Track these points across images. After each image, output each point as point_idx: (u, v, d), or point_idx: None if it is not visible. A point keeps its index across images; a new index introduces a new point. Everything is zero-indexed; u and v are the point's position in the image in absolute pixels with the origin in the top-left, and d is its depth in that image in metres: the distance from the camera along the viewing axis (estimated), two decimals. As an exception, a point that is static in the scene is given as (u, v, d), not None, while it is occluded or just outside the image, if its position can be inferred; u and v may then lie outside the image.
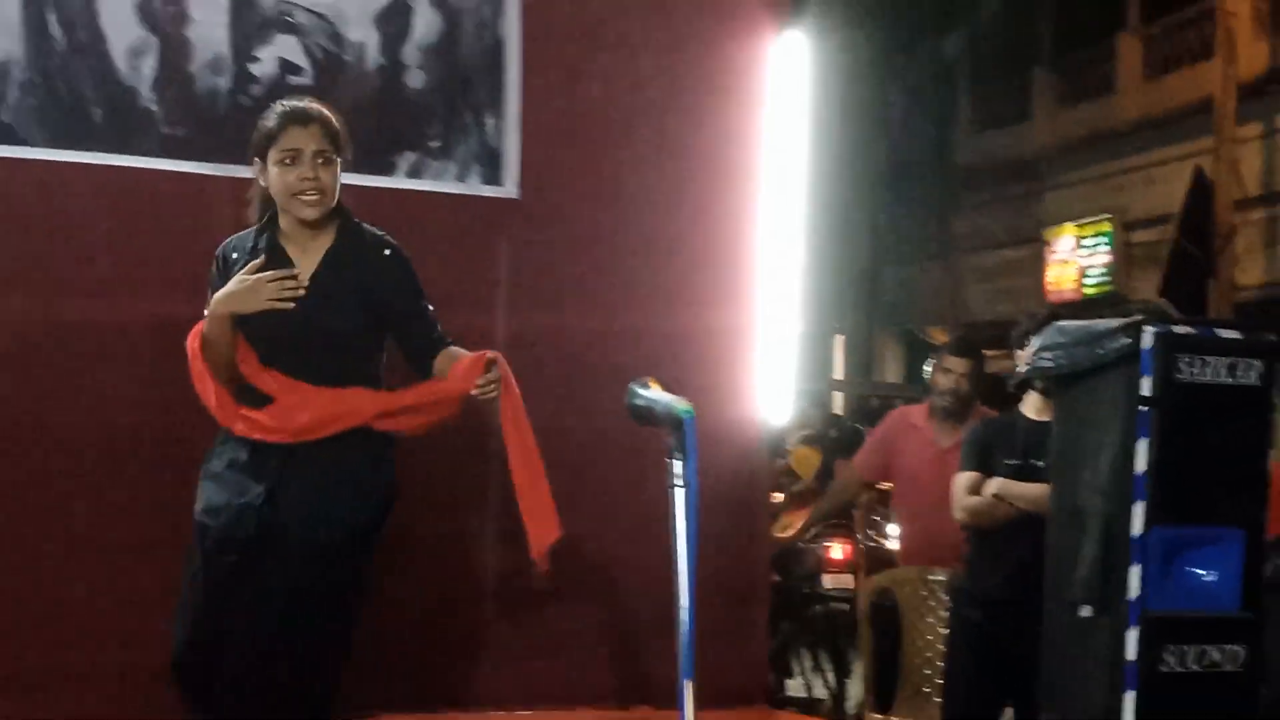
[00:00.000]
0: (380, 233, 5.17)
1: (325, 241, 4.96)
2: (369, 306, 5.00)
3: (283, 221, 4.98)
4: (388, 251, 5.06)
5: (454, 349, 5.21)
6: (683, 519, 3.46)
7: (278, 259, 4.91)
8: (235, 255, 4.98)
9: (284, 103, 5.12)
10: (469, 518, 6.81)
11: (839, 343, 30.11)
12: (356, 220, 5.09)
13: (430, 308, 5.26)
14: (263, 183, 4.94)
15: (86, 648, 6.12)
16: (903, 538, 8.10)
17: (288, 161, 4.87)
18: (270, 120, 4.96)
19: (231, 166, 6.35)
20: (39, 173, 6.17)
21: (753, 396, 7.31)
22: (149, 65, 6.35)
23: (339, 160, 5.09)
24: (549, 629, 6.93)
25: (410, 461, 6.74)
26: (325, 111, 5.10)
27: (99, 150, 6.27)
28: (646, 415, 3.58)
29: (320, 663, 5.07)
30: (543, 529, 5.30)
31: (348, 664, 6.20)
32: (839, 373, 29.72)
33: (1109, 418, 5.53)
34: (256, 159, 4.93)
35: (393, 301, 5.06)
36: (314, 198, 4.89)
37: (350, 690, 6.52)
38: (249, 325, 4.90)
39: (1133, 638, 5.40)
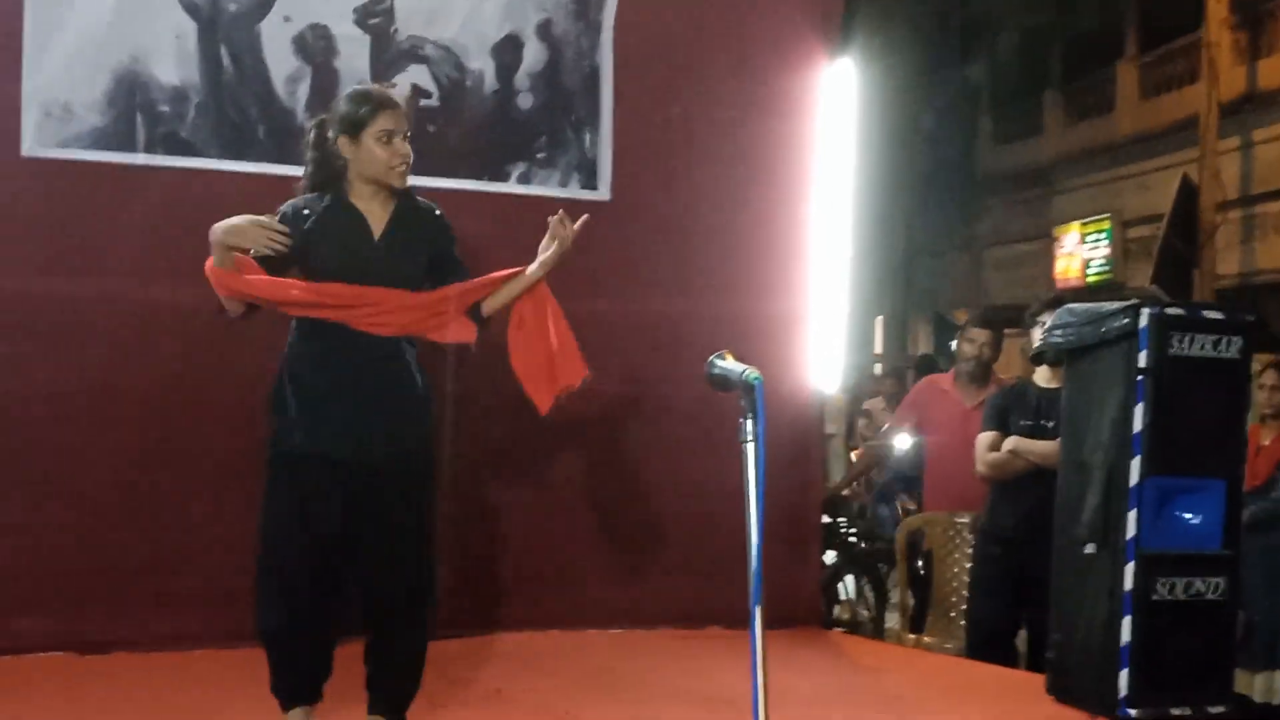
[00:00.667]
0: (424, 199, 5.05)
1: (388, 204, 4.86)
2: (427, 256, 4.92)
3: (354, 188, 4.83)
4: (438, 212, 4.99)
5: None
6: (753, 469, 3.46)
7: (354, 217, 4.80)
8: (307, 212, 4.80)
9: (363, 88, 5.01)
10: (566, 459, 6.85)
11: (879, 323, 30.00)
12: (409, 191, 4.94)
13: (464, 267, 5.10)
14: (347, 155, 4.79)
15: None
16: (933, 485, 8.06)
17: (384, 140, 4.77)
18: (360, 104, 4.80)
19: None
20: (212, 180, 6.23)
21: (806, 369, 7.31)
22: (303, 90, 6.40)
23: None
24: (633, 560, 6.97)
25: (524, 414, 6.82)
26: (400, 100, 4.98)
27: (262, 161, 6.32)
28: (722, 382, 3.58)
29: (433, 571, 4.99)
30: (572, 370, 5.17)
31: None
32: (878, 349, 29.62)
33: (1111, 385, 5.49)
34: (344, 136, 4.79)
35: (442, 253, 4.95)
36: (405, 169, 4.81)
37: (462, 612, 6.61)
38: (330, 271, 4.76)
39: (1130, 571, 5.37)
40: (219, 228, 4.67)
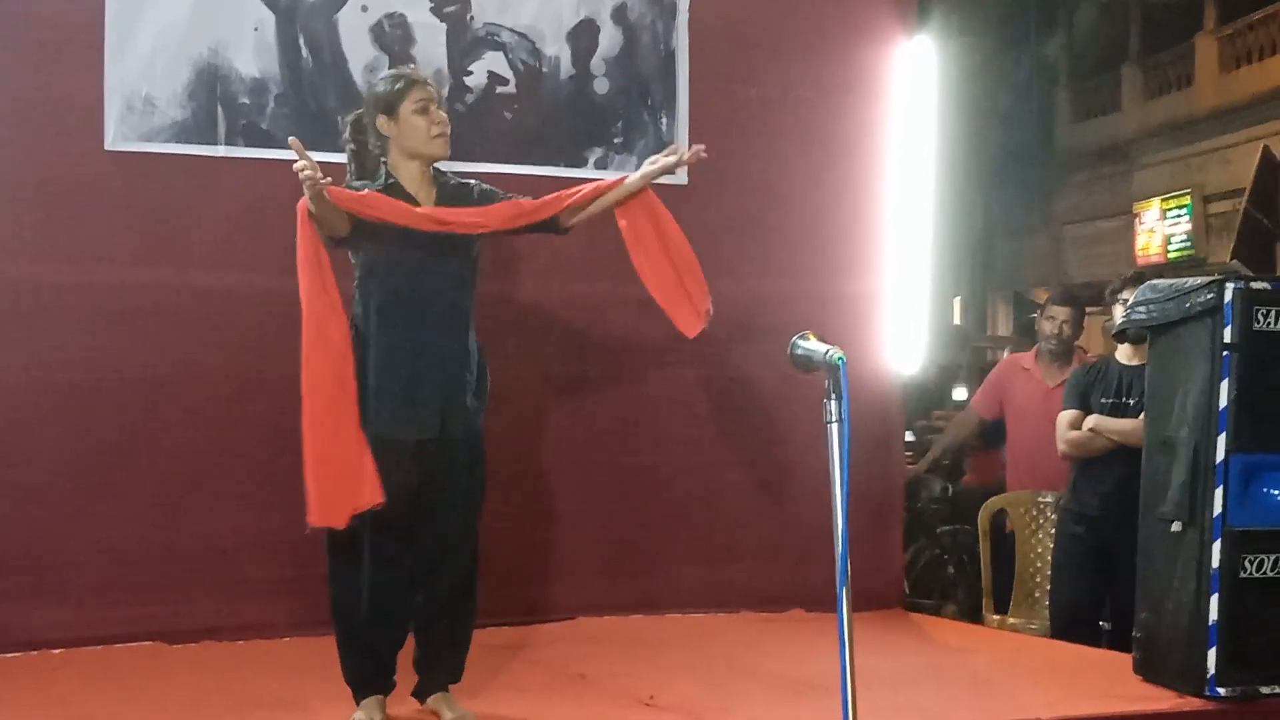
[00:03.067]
0: (461, 178, 5.07)
1: (432, 186, 4.89)
2: (475, 237, 4.94)
3: (401, 170, 4.86)
4: (473, 183, 5.02)
5: None
6: (837, 450, 3.45)
7: (405, 199, 4.81)
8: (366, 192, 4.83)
9: (390, 70, 5.13)
10: (647, 442, 6.85)
11: (958, 303, 29.84)
12: (444, 170, 4.99)
13: None
14: (387, 133, 4.82)
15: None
16: (1014, 465, 8.01)
17: (421, 110, 4.80)
18: (393, 82, 4.86)
19: (450, 163, 6.40)
20: (292, 171, 6.22)
21: (886, 350, 7.28)
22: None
23: None
24: (715, 544, 6.96)
25: (605, 399, 6.83)
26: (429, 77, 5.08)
27: (341, 151, 6.32)
28: (805, 362, 3.57)
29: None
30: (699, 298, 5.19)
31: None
32: (958, 328, 29.46)
33: (1195, 361, 5.43)
34: (381, 115, 4.82)
35: (482, 196, 4.98)
36: (445, 137, 4.85)
37: (546, 597, 6.64)
38: (388, 261, 4.79)
39: (1217, 549, 5.30)
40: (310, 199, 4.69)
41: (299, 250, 4.79)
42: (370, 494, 4.66)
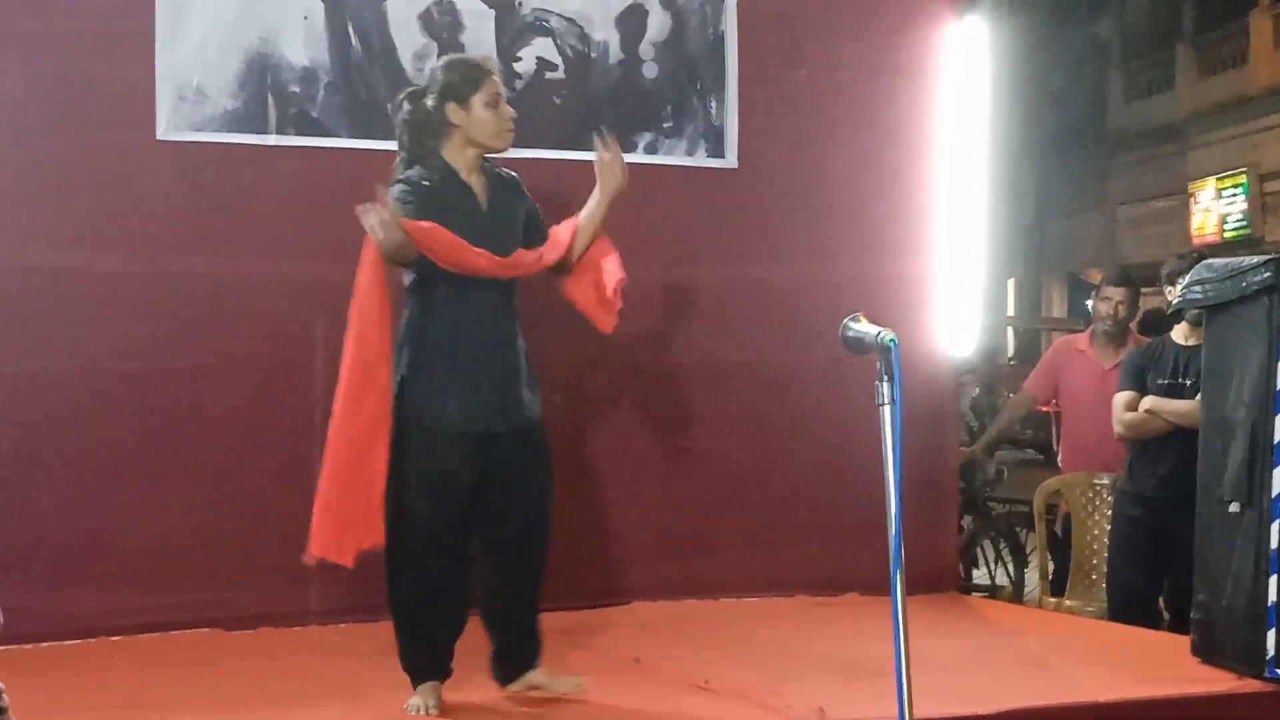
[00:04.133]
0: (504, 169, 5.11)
1: (482, 176, 4.94)
2: (521, 222, 5.02)
3: (455, 157, 4.89)
4: (516, 176, 5.09)
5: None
6: (890, 432, 3.43)
7: (465, 189, 4.88)
8: (426, 183, 4.83)
9: (460, 57, 5.15)
10: (699, 427, 6.85)
11: (1011, 285, 29.70)
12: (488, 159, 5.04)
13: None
14: (455, 121, 4.85)
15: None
16: (1070, 447, 7.96)
17: (492, 104, 4.87)
18: (467, 71, 4.90)
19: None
20: (342, 159, 6.27)
21: (939, 332, 7.25)
22: (431, 66, 6.41)
23: None
24: (768, 527, 6.95)
25: (656, 384, 6.83)
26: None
27: (392, 139, 6.35)
28: (857, 344, 3.56)
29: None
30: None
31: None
32: (1011, 311, 29.34)
33: (1252, 341, 5.39)
34: (452, 103, 4.84)
35: (533, 218, 5.07)
36: (512, 133, 4.94)
37: (598, 581, 6.64)
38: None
39: (1276, 529, 5.27)
40: (385, 241, 4.66)
41: (363, 292, 4.83)
42: (375, 536, 4.76)
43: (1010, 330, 24.26)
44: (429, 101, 4.90)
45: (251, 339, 6.18)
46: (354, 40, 6.33)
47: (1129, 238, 24.98)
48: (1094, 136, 26.53)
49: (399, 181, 4.87)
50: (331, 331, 6.20)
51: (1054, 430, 10.83)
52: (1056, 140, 27.09)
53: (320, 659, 5.70)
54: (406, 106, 4.96)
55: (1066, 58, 27.23)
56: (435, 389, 4.81)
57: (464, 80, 4.86)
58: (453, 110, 4.85)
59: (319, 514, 4.78)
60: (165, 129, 6.08)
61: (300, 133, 6.26)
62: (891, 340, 3.48)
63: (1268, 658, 5.26)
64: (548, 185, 6.60)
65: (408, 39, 6.40)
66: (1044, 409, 10.48)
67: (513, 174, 5.08)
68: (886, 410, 3.44)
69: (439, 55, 6.39)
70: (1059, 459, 8.34)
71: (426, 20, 6.42)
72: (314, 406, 6.19)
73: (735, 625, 6.38)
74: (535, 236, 5.04)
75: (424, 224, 4.71)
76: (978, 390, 12.75)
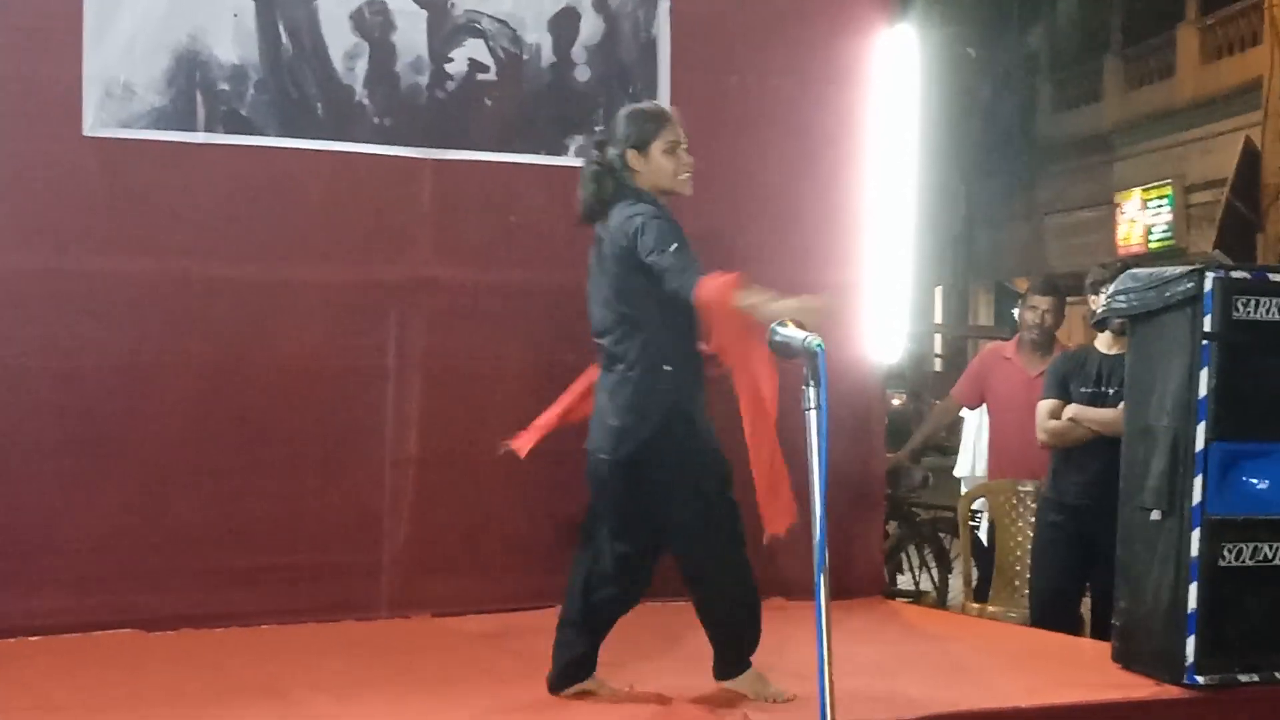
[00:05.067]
0: None
1: None
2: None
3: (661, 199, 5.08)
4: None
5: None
6: (816, 437, 3.45)
7: None
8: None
9: (640, 106, 5.30)
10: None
11: (939, 293, 29.90)
12: None
13: None
14: (637, 168, 5.02)
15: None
16: (995, 454, 8.03)
17: (670, 151, 5.04)
18: (646, 121, 5.09)
19: (430, 150, 6.45)
20: (271, 157, 6.25)
21: (867, 340, 7.27)
22: (361, 66, 6.41)
23: None
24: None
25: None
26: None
27: (321, 139, 6.35)
28: (784, 349, 3.59)
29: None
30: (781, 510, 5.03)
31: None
32: (939, 319, 29.53)
33: (1175, 350, 5.45)
34: (632, 150, 5.01)
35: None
36: (689, 177, 5.12)
37: (540, 583, 6.61)
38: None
39: (1196, 537, 5.33)
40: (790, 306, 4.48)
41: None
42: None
43: (938, 338, 24.45)
44: (612, 151, 5.05)
45: (180, 339, 6.14)
46: (284, 39, 6.29)
47: (1056, 247, 25.18)
48: (1023, 146, 26.74)
49: (635, 213, 4.94)
50: (261, 330, 6.22)
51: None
52: (986, 150, 27.29)
53: (241, 661, 5.66)
54: (593, 154, 5.13)
55: (997, 67, 27.44)
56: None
57: (643, 129, 5.05)
58: (633, 157, 5.03)
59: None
60: (92, 125, 6.02)
61: (229, 131, 6.21)
62: (818, 345, 3.51)
63: (1187, 665, 5.32)
64: (477, 187, 6.63)
65: (339, 38, 6.37)
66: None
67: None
68: (812, 415, 3.46)
69: (370, 55, 6.39)
70: (986, 465, 8.39)
71: (358, 20, 6.39)
72: (245, 408, 6.19)
73: (661, 629, 6.37)
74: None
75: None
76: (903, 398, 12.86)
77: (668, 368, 4.98)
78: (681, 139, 5.07)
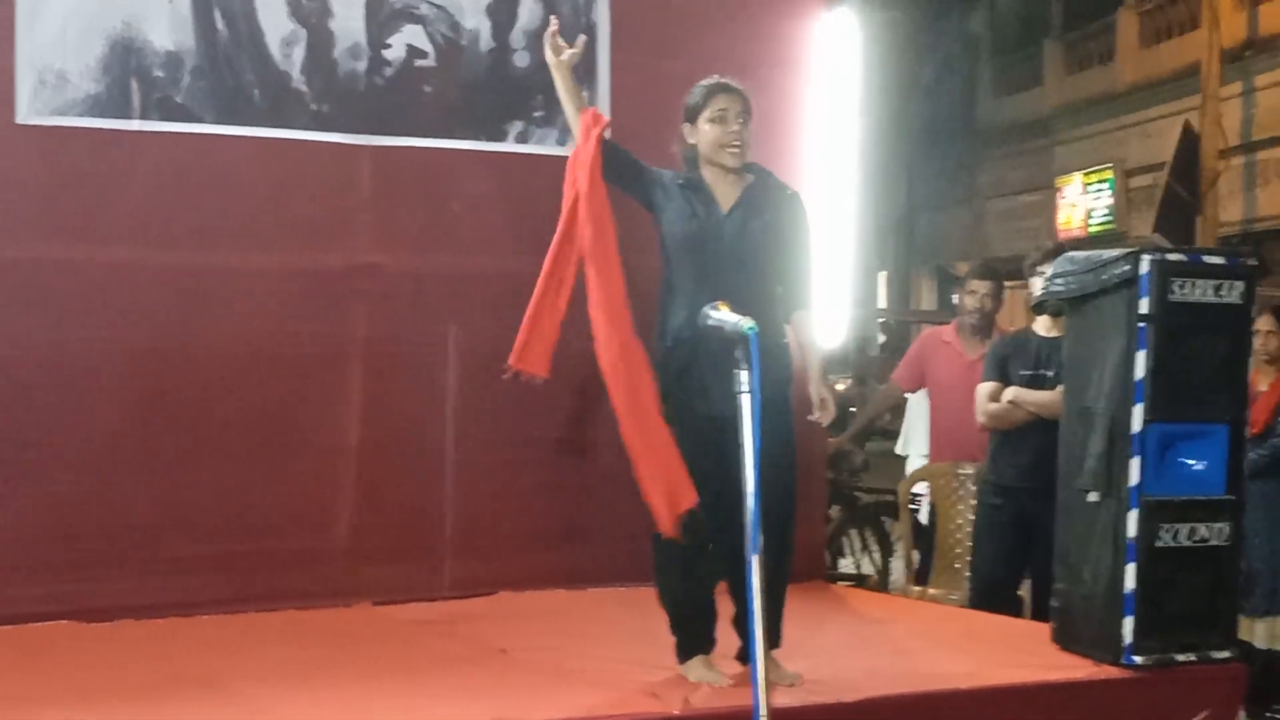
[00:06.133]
0: (787, 185, 5.30)
1: (738, 184, 5.17)
2: (774, 239, 5.14)
3: (706, 172, 5.17)
4: (792, 193, 5.27)
5: (807, 315, 5.29)
6: (749, 421, 3.46)
7: (704, 194, 5.14)
8: (668, 178, 5.20)
9: (702, 82, 5.31)
10: (576, 430, 6.82)
11: (882, 278, 29.98)
12: (768, 172, 5.26)
13: (810, 265, 5.29)
14: (691, 140, 5.17)
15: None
16: (936, 437, 8.06)
17: (716, 120, 5.11)
18: (697, 93, 5.20)
19: (369, 137, 6.43)
20: (208, 145, 6.22)
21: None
22: (299, 53, 6.38)
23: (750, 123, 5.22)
24: (638, 519, 6.92)
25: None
26: (740, 86, 5.26)
27: (258, 125, 6.30)
28: (717, 333, 3.59)
29: None
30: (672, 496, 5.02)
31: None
32: (882, 303, 29.63)
33: (1112, 332, 5.49)
34: (687, 123, 5.17)
35: (786, 239, 5.19)
36: (737, 148, 5.14)
37: (475, 570, 6.60)
38: (677, 235, 5.09)
39: (1133, 518, 5.37)
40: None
41: None
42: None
43: (882, 322, 24.52)
44: (684, 128, 5.22)
45: (117, 326, 6.10)
46: (220, 25, 6.25)
47: (998, 231, 25.27)
48: (964, 131, 26.81)
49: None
50: (201, 318, 6.18)
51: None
52: (927, 134, 27.36)
53: (182, 651, 5.62)
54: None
55: (937, 53, 27.51)
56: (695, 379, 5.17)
57: (694, 101, 5.20)
58: (688, 129, 5.21)
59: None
60: (25, 113, 5.97)
61: (165, 118, 6.17)
62: (750, 329, 3.52)
63: (1125, 645, 5.36)
64: (417, 173, 6.60)
65: (275, 24, 6.33)
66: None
67: (788, 188, 5.28)
68: (745, 399, 3.47)
69: (307, 41, 6.35)
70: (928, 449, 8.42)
71: (294, 6, 6.35)
72: (184, 396, 6.15)
73: (603, 615, 6.39)
74: (780, 264, 5.15)
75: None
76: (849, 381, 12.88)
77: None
78: (734, 108, 5.13)
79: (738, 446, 4.76)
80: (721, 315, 3.61)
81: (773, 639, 5.06)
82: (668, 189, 5.19)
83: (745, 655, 5.05)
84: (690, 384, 5.05)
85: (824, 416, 5.22)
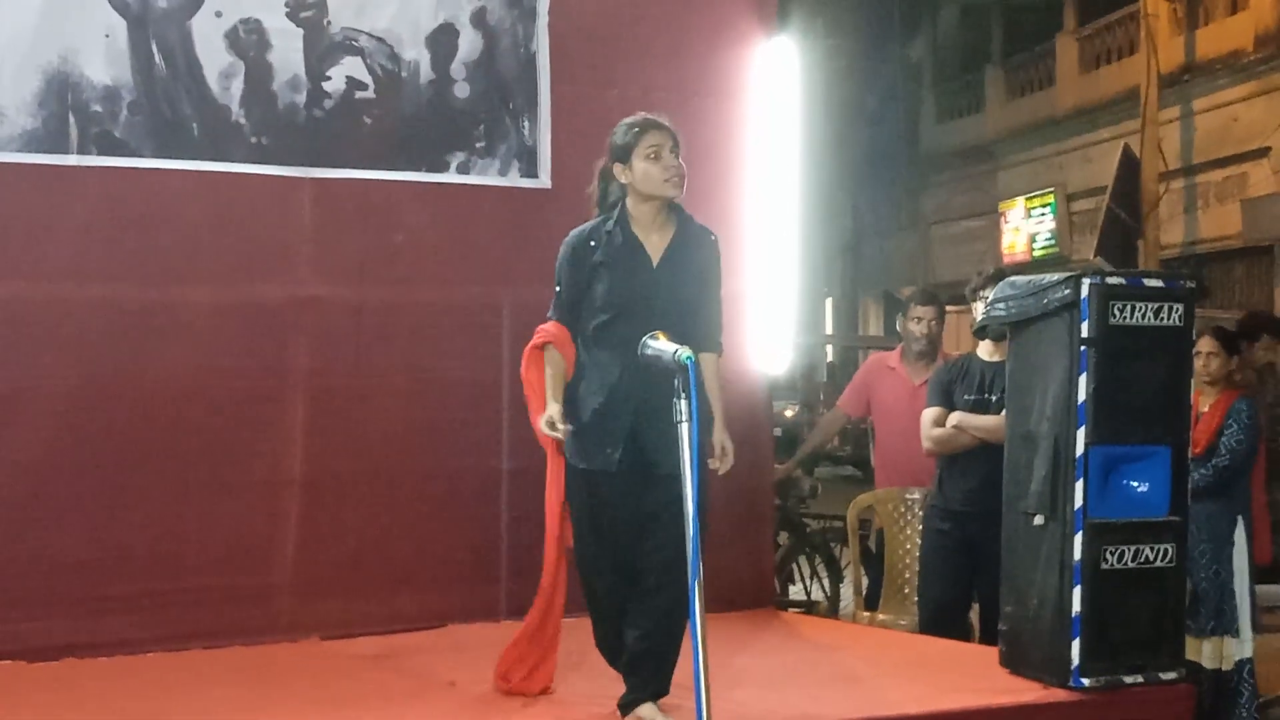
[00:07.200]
0: (706, 228, 5.26)
1: (666, 230, 5.12)
2: (696, 286, 5.13)
3: (635, 211, 5.11)
4: (712, 238, 5.23)
5: (714, 360, 5.21)
6: (688, 449, 3.45)
7: (634, 247, 5.07)
8: (593, 243, 5.09)
9: (627, 120, 5.25)
10: (524, 459, 6.79)
11: (829, 304, 30.11)
12: (688, 215, 5.21)
13: (720, 309, 5.26)
14: (624, 180, 5.09)
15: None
16: (882, 463, 8.06)
17: (653, 156, 5.05)
18: (626, 130, 5.12)
19: (309, 169, 6.39)
20: (147, 179, 6.17)
21: (753, 351, 7.28)
22: (237, 85, 6.34)
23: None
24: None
25: (475, 412, 6.76)
26: (667, 121, 5.22)
27: (197, 159, 6.27)
28: (655, 362, 3.59)
29: None
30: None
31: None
32: (829, 328, 29.75)
33: (1054, 356, 5.51)
34: (617, 163, 5.09)
35: (706, 283, 5.18)
36: (678, 180, 5.09)
37: (423, 603, 6.56)
38: (614, 302, 5.02)
39: (1079, 541, 5.39)
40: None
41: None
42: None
43: (829, 349, 24.62)
44: (606, 165, 5.15)
45: (52, 363, 6.04)
46: (158, 58, 6.21)
47: (943, 256, 25.43)
48: (908, 157, 27.01)
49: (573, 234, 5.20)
50: (140, 353, 6.13)
51: (871, 447, 10.96)
52: (872, 161, 27.53)
53: (126, 690, 5.56)
54: (596, 176, 5.22)
55: (881, 79, 27.69)
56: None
57: (623, 140, 5.11)
58: (620, 170, 5.10)
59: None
60: (-39, 148, 5.92)
61: (103, 152, 6.12)
62: (687, 358, 3.52)
63: (1072, 667, 5.37)
64: (358, 205, 6.57)
65: (213, 58, 6.29)
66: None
67: (708, 231, 5.24)
68: (684, 428, 3.46)
69: (246, 74, 6.32)
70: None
71: (232, 39, 6.32)
72: (124, 432, 6.09)
73: (569, 643, 6.34)
74: (700, 291, 5.15)
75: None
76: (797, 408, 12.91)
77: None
78: (666, 143, 5.08)
79: (620, 498, 5.00)
80: (660, 345, 3.61)
81: (659, 684, 5.03)
82: (601, 255, 5.11)
83: (623, 706, 5.05)
84: (585, 441, 5.07)
85: (722, 465, 5.13)
